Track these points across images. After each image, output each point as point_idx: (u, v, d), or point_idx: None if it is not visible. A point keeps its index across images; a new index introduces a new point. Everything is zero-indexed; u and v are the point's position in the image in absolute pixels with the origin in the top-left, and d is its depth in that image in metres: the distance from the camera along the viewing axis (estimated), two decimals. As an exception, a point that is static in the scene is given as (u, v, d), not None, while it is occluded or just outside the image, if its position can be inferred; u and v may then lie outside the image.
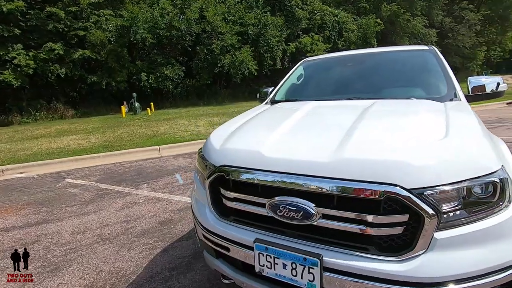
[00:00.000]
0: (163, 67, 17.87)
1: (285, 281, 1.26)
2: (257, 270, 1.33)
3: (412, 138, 1.30)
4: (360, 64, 2.75)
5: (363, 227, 1.14)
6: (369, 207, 1.13)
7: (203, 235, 1.60)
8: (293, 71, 3.11)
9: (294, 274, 1.23)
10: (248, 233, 1.39)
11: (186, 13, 18.01)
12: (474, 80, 2.22)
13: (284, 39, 20.36)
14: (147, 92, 17.86)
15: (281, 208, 1.26)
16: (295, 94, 2.79)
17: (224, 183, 1.47)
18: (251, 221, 1.41)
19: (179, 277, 2.23)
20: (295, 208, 1.23)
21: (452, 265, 1.06)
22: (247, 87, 20.92)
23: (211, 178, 1.51)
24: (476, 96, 2.17)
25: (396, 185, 1.08)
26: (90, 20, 16.86)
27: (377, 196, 1.09)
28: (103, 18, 17.20)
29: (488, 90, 2.19)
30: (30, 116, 15.48)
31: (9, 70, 14.41)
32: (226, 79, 20.55)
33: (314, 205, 1.20)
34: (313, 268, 1.18)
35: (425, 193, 1.07)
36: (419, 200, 1.06)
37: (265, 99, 2.89)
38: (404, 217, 1.10)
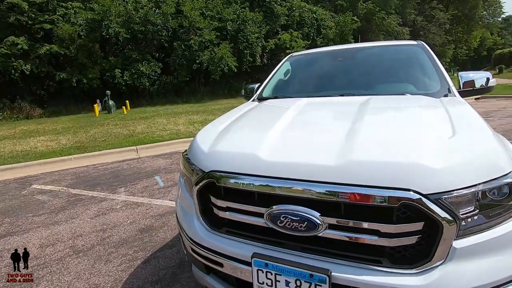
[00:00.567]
0: (139, 63, 17.29)
1: None
2: (255, 288, 1.18)
3: (421, 137, 1.22)
4: (350, 59, 2.69)
5: (375, 238, 1.03)
6: (381, 215, 1.03)
7: (192, 248, 1.44)
8: (280, 67, 2.99)
9: None
10: (244, 247, 1.24)
11: (161, 7, 17.47)
12: (465, 76, 2.21)
13: (263, 36, 20.33)
14: (122, 89, 17.24)
15: (282, 219, 1.13)
16: (284, 91, 2.67)
17: (215, 191, 1.32)
18: (247, 233, 1.27)
19: (164, 292, 2.04)
20: (298, 218, 1.10)
21: (474, 275, 0.98)
22: (226, 84, 20.72)
23: (199, 185, 1.35)
24: (467, 91, 2.16)
25: (412, 190, 0.98)
26: (58, 13, 15.92)
27: (391, 203, 0.99)
28: (71, 11, 16.34)
29: (477, 85, 2.19)
30: (-10, 116, 14.44)
31: (-35, 67, 13.34)
32: (205, 75, 20.25)
33: (319, 214, 1.08)
34: (320, 286, 1.06)
35: (443, 198, 0.98)
36: (436, 207, 0.97)
37: (252, 96, 2.76)
38: (419, 225, 1.01)
